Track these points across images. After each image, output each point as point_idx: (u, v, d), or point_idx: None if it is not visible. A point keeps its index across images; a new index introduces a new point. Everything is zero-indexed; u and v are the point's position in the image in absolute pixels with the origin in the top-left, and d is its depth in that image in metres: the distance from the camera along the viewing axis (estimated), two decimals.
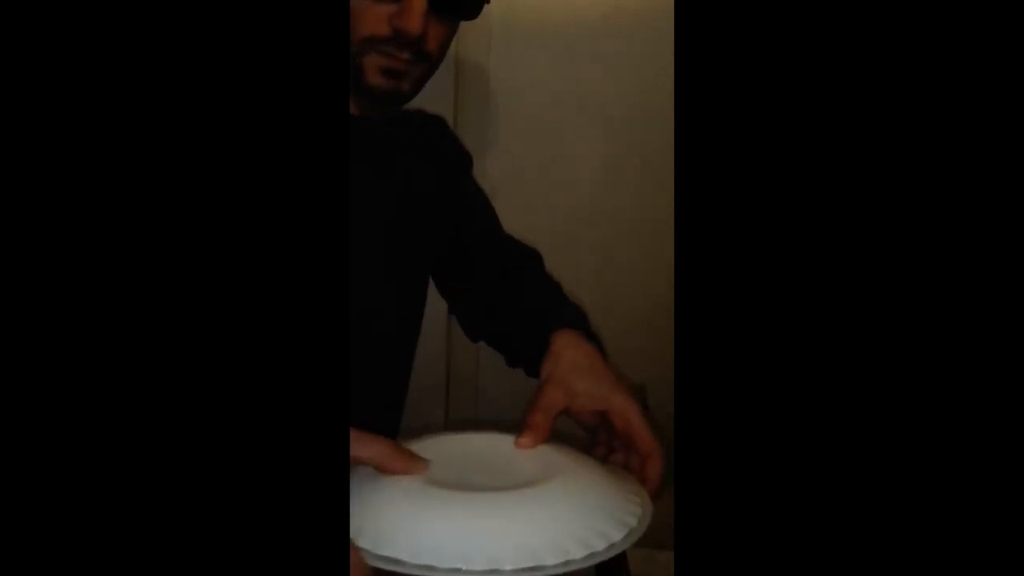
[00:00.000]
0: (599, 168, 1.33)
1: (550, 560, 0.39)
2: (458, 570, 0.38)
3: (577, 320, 0.66)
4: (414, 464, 0.45)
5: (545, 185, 1.34)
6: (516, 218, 1.33)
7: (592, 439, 0.59)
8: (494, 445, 0.53)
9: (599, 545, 0.41)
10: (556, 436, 0.55)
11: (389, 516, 0.41)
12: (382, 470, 0.44)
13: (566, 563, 0.40)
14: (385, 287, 0.69)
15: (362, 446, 0.43)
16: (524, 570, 0.39)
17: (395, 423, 0.75)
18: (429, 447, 0.49)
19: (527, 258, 0.79)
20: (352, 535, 0.39)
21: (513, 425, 0.55)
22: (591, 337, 0.64)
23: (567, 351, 0.61)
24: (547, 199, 1.34)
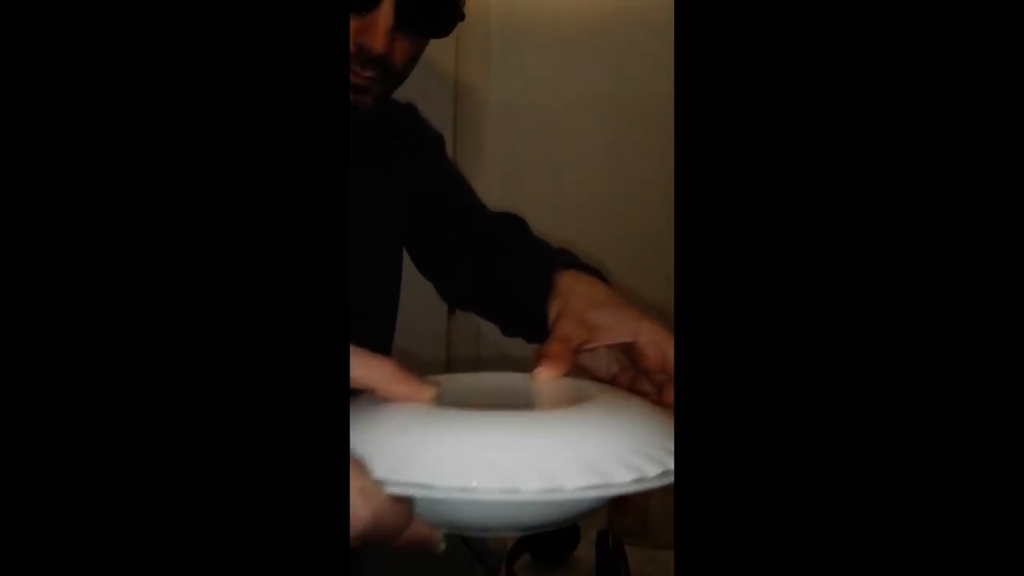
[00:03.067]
0: (599, 169, 1.33)
1: (619, 477, 0.33)
2: (514, 490, 0.31)
3: (581, 263, 0.60)
4: (422, 388, 0.38)
5: (544, 185, 1.34)
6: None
7: None
8: (508, 381, 0.45)
9: (672, 463, 0.35)
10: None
11: (406, 439, 0.34)
12: (385, 394, 0.38)
13: (638, 480, 0.33)
14: (366, 279, 0.68)
15: (362, 366, 0.36)
16: (591, 488, 0.32)
17: None
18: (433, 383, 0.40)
19: (512, 224, 0.75)
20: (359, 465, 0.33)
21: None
22: (603, 279, 0.59)
23: (577, 287, 0.55)
24: (546, 199, 1.34)
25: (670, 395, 0.48)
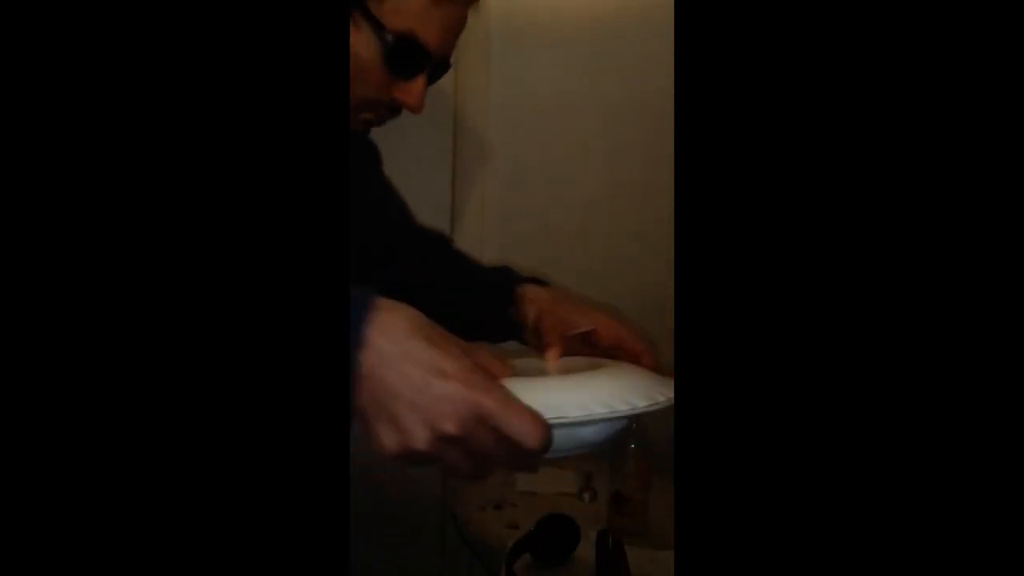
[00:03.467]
0: (599, 168, 1.33)
1: (661, 398, 0.49)
2: (614, 411, 0.46)
3: (527, 276, 0.77)
4: (508, 366, 0.47)
5: (545, 185, 1.34)
6: (516, 218, 1.33)
7: None
8: (537, 363, 0.61)
9: (663, 397, 0.50)
10: None
11: (530, 394, 0.45)
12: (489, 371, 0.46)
13: (668, 400, 0.49)
14: None
15: (471, 353, 0.44)
16: (651, 405, 0.47)
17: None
18: None
19: (442, 240, 0.85)
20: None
21: None
22: (546, 284, 0.77)
23: (540, 293, 0.72)
24: (547, 199, 1.34)
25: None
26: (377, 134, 1.00)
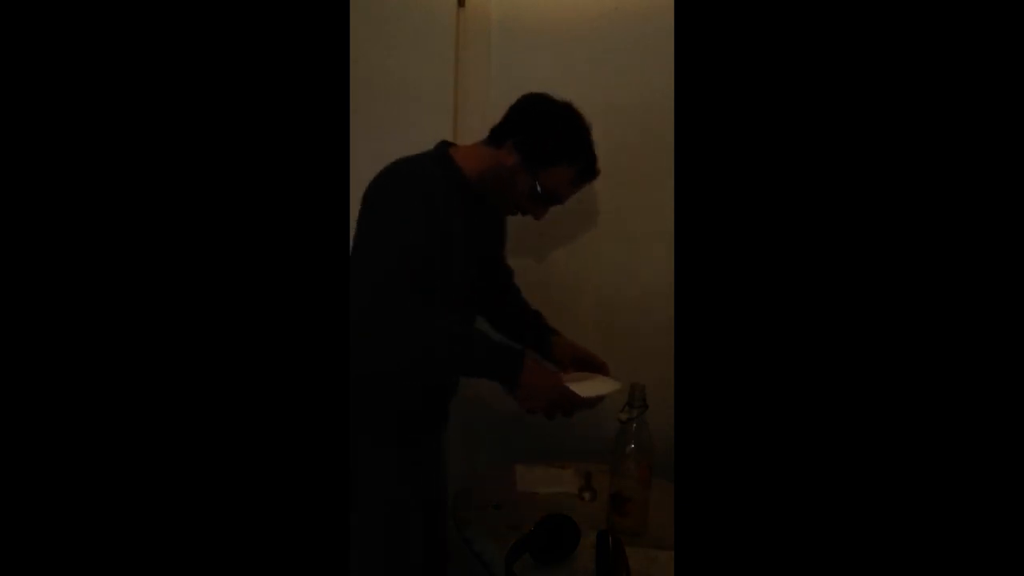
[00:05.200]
0: (599, 168, 1.33)
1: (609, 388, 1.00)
2: (602, 395, 0.99)
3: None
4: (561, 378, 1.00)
5: None
6: (516, 217, 1.33)
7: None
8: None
9: (616, 386, 1.01)
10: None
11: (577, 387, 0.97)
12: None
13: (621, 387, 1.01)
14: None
15: (556, 375, 0.99)
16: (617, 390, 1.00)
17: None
18: None
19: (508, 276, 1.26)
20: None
21: None
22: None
23: (561, 339, 1.19)
24: None
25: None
26: (379, 131, 1.00)
